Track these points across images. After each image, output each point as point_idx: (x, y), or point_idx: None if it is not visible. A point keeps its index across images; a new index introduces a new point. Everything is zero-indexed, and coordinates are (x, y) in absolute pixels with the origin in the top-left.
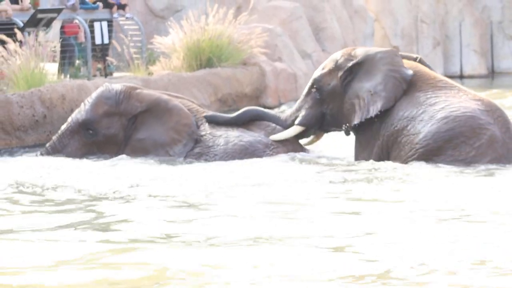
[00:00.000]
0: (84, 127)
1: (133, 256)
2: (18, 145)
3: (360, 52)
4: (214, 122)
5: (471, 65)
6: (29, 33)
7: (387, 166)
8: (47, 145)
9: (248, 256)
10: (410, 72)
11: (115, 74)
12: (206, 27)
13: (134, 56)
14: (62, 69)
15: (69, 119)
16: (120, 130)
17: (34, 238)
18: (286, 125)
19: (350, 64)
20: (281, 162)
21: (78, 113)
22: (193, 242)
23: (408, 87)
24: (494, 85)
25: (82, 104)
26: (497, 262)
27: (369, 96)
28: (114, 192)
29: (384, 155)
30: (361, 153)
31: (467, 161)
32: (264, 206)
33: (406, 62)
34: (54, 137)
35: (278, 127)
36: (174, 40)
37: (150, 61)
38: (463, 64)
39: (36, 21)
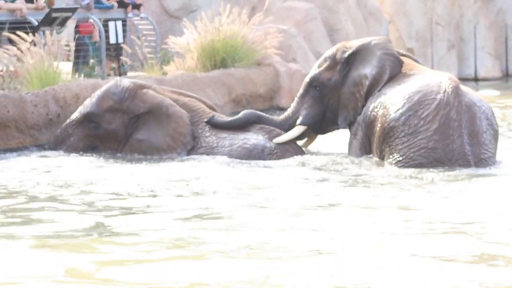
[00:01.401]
0: (88, 119)
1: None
2: (32, 144)
3: (354, 43)
4: (214, 126)
5: (485, 67)
6: (43, 32)
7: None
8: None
9: (243, 267)
10: (396, 55)
11: (129, 74)
12: (220, 27)
13: (148, 56)
14: (76, 68)
15: (78, 109)
16: (121, 127)
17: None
18: (284, 128)
19: (346, 55)
20: (286, 166)
21: (85, 105)
22: (187, 246)
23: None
24: (508, 87)
25: (91, 96)
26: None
27: (365, 81)
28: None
29: (367, 143)
30: (353, 139)
31: (416, 133)
32: (269, 211)
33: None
34: (62, 125)
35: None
36: (188, 40)
37: (164, 61)
38: (478, 66)
39: (51, 20)
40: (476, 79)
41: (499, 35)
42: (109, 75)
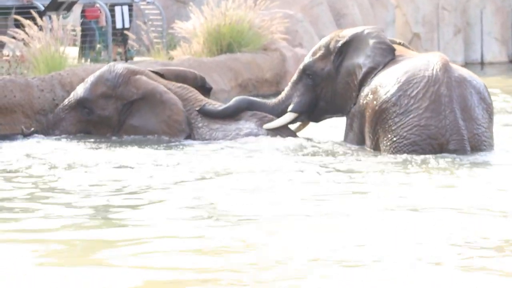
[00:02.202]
0: (81, 104)
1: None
2: (38, 128)
3: (347, 32)
4: (206, 115)
5: (491, 52)
6: (50, 17)
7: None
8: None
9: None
10: (389, 44)
11: (136, 59)
12: (226, 12)
13: (155, 40)
14: (82, 53)
15: (71, 95)
16: (114, 113)
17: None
18: (276, 114)
19: (339, 44)
20: (279, 152)
21: (79, 90)
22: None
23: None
24: None
25: (85, 81)
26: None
27: (359, 71)
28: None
29: (361, 135)
30: (349, 131)
31: (407, 112)
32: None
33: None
34: (55, 110)
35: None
36: (194, 25)
37: (170, 46)
38: (484, 51)
39: (57, 5)
40: (482, 64)
41: (506, 20)
42: (115, 60)
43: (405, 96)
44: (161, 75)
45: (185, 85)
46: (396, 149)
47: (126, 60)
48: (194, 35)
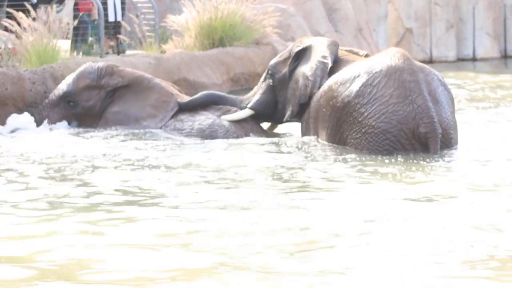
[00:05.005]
0: (64, 99)
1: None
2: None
3: (309, 40)
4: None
5: (484, 48)
6: (45, 10)
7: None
8: None
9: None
10: (330, 61)
11: (128, 52)
12: (219, 6)
13: (147, 34)
14: (74, 46)
15: (50, 95)
16: (98, 102)
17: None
18: (242, 109)
19: (296, 50)
20: (228, 145)
21: (60, 87)
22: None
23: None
24: (507, 68)
25: (64, 80)
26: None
27: (304, 81)
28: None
29: (319, 134)
30: (303, 132)
31: (373, 100)
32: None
33: (341, 52)
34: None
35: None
36: (187, 19)
37: (162, 40)
38: (476, 47)
39: None
40: (474, 59)
41: (498, 16)
42: (107, 53)
43: (367, 85)
44: None
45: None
46: (367, 140)
47: (118, 53)
48: (186, 28)
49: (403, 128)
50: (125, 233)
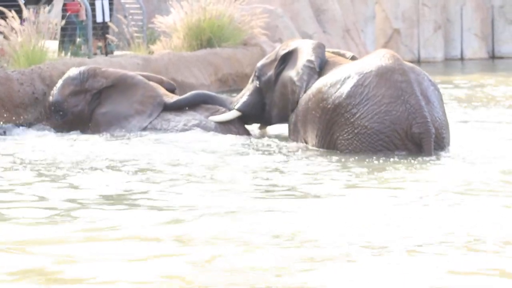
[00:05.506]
0: (54, 110)
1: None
2: (18, 122)
3: (294, 43)
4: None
5: (471, 49)
6: (35, 11)
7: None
8: None
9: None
10: (317, 66)
11: (116, 53)
12: (207, 7)
13: (135, 35)
14: (62, 47)
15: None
16: (85, 106)
17: None
18: (231, 109)
19: (282, 53)
20: (222, 144)
21: (48, 100)
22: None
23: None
24: (495, 69)
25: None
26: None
27: (290, 85)
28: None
29: (308, 137)
30: (291, 135)
31: (365, 101)
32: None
33: (328, 54)
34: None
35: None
36: (175, 20)
37: (150, 40)
38: (464, 48)
39: None
40: (462, 60)
41: (486, 17)
42: (95, 54)
43: (359, 86)
44: None
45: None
46: (360, 141)
47: (106, 54)
48: (175, 29)
49: (396, 128)
50: (111, 239)
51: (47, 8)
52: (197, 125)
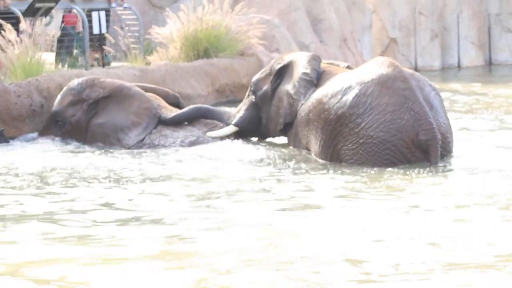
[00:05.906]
0: (53, 120)
1: None
2: (15, 135)
3: (289, 56)
4: (160, 121)
5: (468, 57)
6: (32, 23)
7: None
8: None
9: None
10: (314, 78)
11: (113, 64)
12: (203, 17)
13: (132, 46)
14: (59, 59)
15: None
16: (82, 115)
17: None
18: (228, 124)
19: (277, 67)
20: (221, 160)
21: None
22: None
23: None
24: (491, 76)
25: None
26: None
27: (286, 99)
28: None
29: (309, 148)
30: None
31: (369, 110)
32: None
33: (322, 65)
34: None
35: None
36: (171, 30)
37: (147, 51)
38: (461, 56)
39: (34, 11)
40: (459, 68)
41: (482, 25)
42: (92, 65)
43: (361, 96)
44: None
45: (151, 94)
46: (366, 151)
47: (103, 65)
48: (171, 40)
49: (402, 136)
50: (107, 249)
51: (47, 20)
52: (195, 142)
